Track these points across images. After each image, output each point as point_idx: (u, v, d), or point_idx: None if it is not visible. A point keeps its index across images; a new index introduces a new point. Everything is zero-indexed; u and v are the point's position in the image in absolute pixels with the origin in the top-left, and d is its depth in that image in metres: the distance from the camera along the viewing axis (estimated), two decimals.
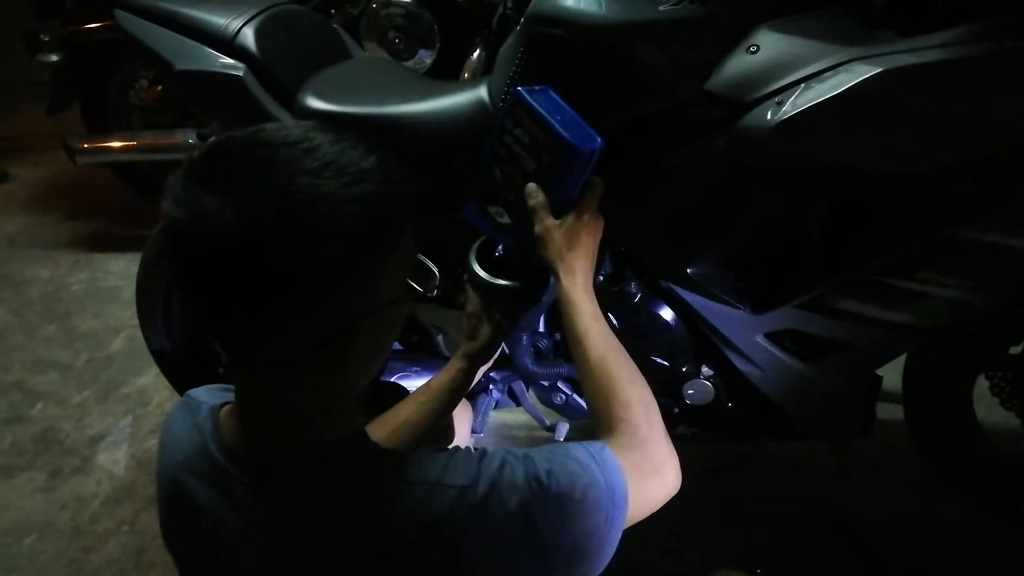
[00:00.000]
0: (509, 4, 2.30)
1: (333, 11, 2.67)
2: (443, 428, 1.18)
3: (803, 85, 1.01)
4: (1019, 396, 1.38)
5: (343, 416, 0.71)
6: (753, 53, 1.04)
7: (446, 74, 2.58)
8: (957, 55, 0.94)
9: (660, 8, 1.06)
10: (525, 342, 1.32)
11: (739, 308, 1.19)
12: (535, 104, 0.97)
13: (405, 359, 1.48)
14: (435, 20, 2.62)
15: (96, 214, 3.01)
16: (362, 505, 0.66)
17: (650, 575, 1.43)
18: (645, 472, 0.81)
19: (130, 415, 2.04)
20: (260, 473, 0.69)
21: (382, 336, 0.71)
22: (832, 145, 1.02)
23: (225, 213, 0.58)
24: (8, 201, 3.17)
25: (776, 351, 1.21)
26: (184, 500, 0.74)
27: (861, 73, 0.96)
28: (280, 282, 0.60)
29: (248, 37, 1.37)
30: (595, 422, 0.88)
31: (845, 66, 0.98)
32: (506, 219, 1.05)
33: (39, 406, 2.09)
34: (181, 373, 1.75)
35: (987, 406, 1.44)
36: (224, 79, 1.34)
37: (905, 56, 0.95)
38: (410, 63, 2.63)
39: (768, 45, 1.04)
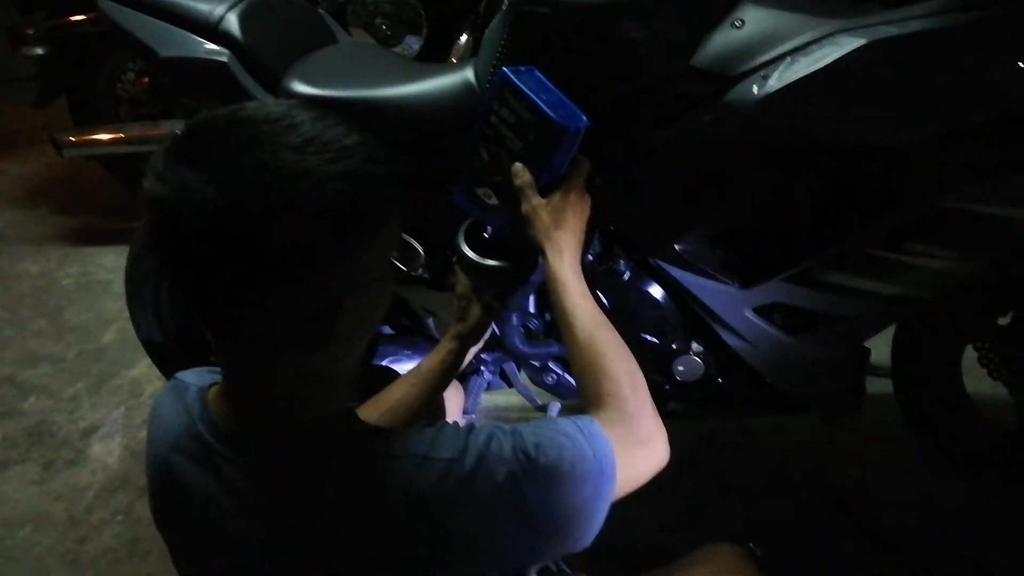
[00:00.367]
0: None
1: None
2: (434, 410, 1.19)
3: (789, 59, 1.01)
4: (1006, 366, 1.39)
5: (331, 395, 0.72)
6: (738, 28, 1.04)
7: (434, 60, 2.57)
8: (942, 25, 0.94)
9: None
10: (515, 323, 1.32)
11: (727, 283, 1.20)
12: (520, 84, 0.97)
13: (396, 342, 1.49)
14: (422, 6, 2.61)
15: (85, 208, 3.00)
16: (350, 481, 0.67)
17: (645, 551, 1.44)
18: (633, 445, 0.81)
19: (122, 406, 2.04)
20: (248, 452, 0.70)
21: (367, 314, 0.71)
22: (819, 118, 1.02)
23: (208, 190, 0.58)
24: None
25: (765, 325, 1.21)
26: (174, 481, 0.74)
27: (846, 45, 0.97)
28: (264, 259, 0.60)
29: (232, 23, 1.36)
30: (584, 398, 0.89)
31: (830, 39, 0.99)
32: (494, 200, 1.05)
33: (31, 399, 2.08)
34: (173, 362, 1.74)
35: (976, 377, 1.45)
36: (209, 65, 1.34)
37: (890, 27, 0.96)
38: (397, 49, 2.62)
39: (753, 19, 1.04)
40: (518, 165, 0.97)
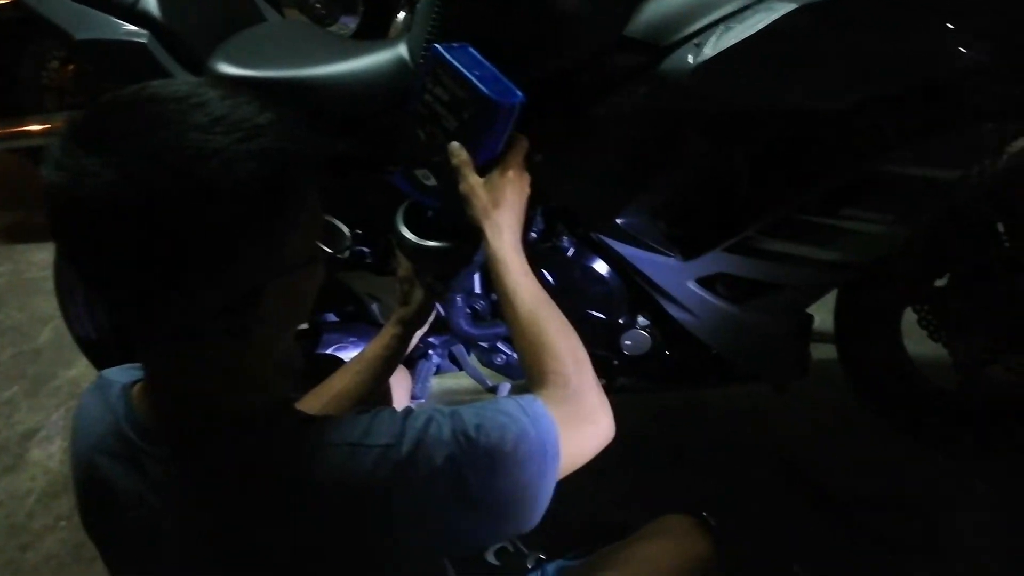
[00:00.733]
0: None
1: None
2: (380, 397, 1.17)
3: (722, 26, 1.00)
4: (945, 327, 1.42)
5: (260, 386, 0.69)
6: None
7: (372, 39, 2.52)
8: None
9: None
10: (461, 304, 1.30)
11: (670, 256, 1.19)
12: (453, 61, 0.95)
13: (341, 330, 1.46)
14: None
15: (13, 204, 2.88)
16: (283, 472, 0.64)
17: (600, 527, 1.44)
18: (577, 422, 0.81)
19: (62, 408, 1.97)
20: (175, 449, 0.67)
21: (294, 301, 0.68)
22: (754, 85, 1.01)
23: (106, 173, 0.54)
24: None
25: (708, 296, 1.22)
26: (101, 483, 0.71)
27: (779, 10, 0.96)
28: (172, 245, 0.56)
29: (151, 2, 1.30)
30: (527, 377, 0.88)
31: (764, 4, 0.98)
32: (432, 181, 1.04)
33: None
34: (110, 360, 1.67)
35: (916, 339, 1.48)
36: (127, 47, 1.27)
37: None
38: (333, 29, 2.56)
39: None
40: (454, 144, 0.96)
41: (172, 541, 0.69)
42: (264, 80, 1.24)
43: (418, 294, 1.15)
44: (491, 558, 1.20)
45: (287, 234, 0.62)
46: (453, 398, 1.86)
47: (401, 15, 2.35)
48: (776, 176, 1.11)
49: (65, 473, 1.78)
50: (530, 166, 1.00)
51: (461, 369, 1.53)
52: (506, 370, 1.46)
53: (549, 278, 1.28)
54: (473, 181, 0.95)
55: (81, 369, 2.05)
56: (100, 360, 1.73)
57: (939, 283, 1.42)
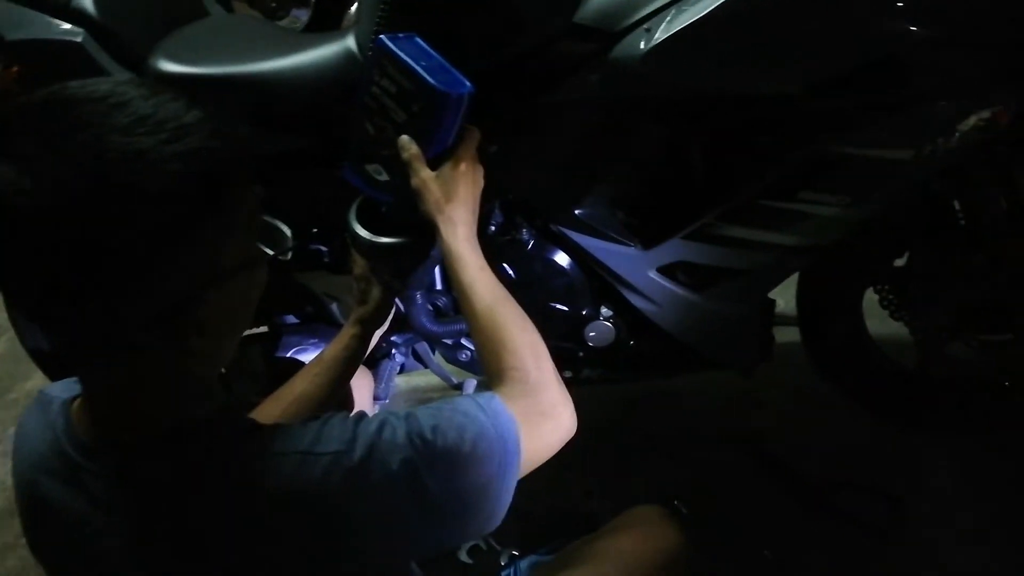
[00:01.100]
0: None
1: None
2: (341, 399, 1.14)
3: (673, 9, 0.99)
4: (905, 306, 1.43)
5: (204, 395, 0.67)
6: None
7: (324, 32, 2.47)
8: None
9: None
10: (421, 301, 1.28)
11: (630, 245, 1.19)
12: (399, 52, 0.93)
13: (300, 332, 1.42)
14: None
15: None
16: (230, 483, 0.62)
17: (571, 518, 1.44)
18: (538, 417, 0.79)
19: None
20: (116, 465, 0.64)
21: (234, 307, 0.66)
22: (705, 68, 1.01)
23: (23, 182, 0.51)
24: None
25: (669, 284, 1.21)
26: (42, 503, 0.69)
27: None
28: (97, 254, 0.54)
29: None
30: (486, 373, 0.87)
31: None
32: (384, 176, 1.01)
33: None
34: (65, 372, 1.63)
35: (877, 319, 1.49)
36: (61, 46, 1.23)
37: None
38: (284, 22, 2.50)
39: None
40: (404, 137, 0.94)
41: (118, 560, 0.66)
42: (207, 77, 1.20)
43: (375, 292, 1.12)
44: (464, 556, 1.18)
45: (221, 237, 0.60)
46: (418, 396, 1.84)
47: (354, 7, 2.30)
48: (731, 161, 1.10)
49: None
50: (484, 158, 0.98)
51: (426, 367, 1.52)
52: (471, 366, 1.44)
53: (510, 272, 1.26)
54: (424, 175, 0.93)
55: (38, 381, 1.99)
56: (55, 372, 1.68)
57: (898, 263, 1.43)
